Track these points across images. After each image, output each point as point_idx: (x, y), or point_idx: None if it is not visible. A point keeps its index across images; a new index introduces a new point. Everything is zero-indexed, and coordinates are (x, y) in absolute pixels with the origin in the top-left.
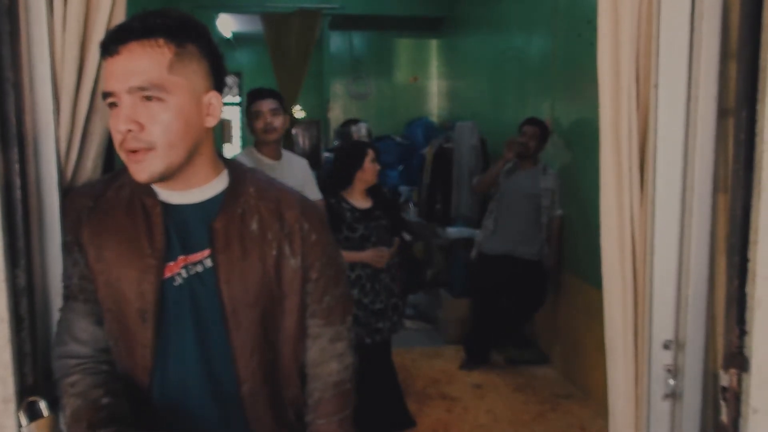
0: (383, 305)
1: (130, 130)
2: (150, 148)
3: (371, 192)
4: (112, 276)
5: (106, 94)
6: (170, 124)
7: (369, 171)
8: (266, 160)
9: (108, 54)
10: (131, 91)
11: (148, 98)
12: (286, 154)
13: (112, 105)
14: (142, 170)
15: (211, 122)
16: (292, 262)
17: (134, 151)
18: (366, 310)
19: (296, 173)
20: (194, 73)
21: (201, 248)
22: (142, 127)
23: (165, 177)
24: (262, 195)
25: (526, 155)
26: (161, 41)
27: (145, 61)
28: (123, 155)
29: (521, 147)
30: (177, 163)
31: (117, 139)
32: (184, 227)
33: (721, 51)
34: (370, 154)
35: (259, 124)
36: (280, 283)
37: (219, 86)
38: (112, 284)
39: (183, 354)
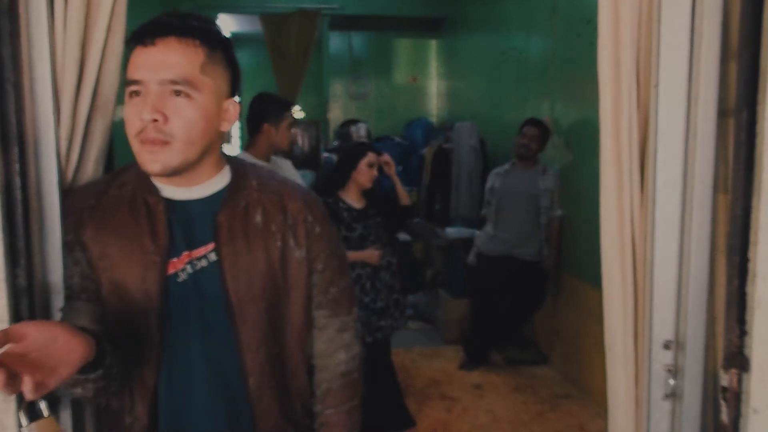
0: (384, 303)
1: (155, 120)
2: (167, 141)
3: (366, 193)
4: (115, 274)
5: (132, 82)
6: (194, 120)
7: (363, 173)
8: (261, 163)
9: (142, 44)
10: (162, 82)
11: (177, 93)
12: (273, 158)
13: (134, 94)
14: (155, 161)
15: (226, 127)
16: (297, 254)
17: (151, 142)
18: (367, 308)
19: (286, 173)
20: (220, 77)
21: (205, 243)
22: (166, 119)
23: (177, 172)
24: (264, 188)
25: (527, 156)
26: (197, 42)
27: (181, 57)
28: (136, 145)
29: (522, 148)
30: (191, 160)
31: (135, 127)
32: (187, 223)
33: (722, 51)
34: (369, 156)
35: (288, 135)
36: (286, 275)
37: (234, 94)
38: (115, 282)
39: (188, 349)
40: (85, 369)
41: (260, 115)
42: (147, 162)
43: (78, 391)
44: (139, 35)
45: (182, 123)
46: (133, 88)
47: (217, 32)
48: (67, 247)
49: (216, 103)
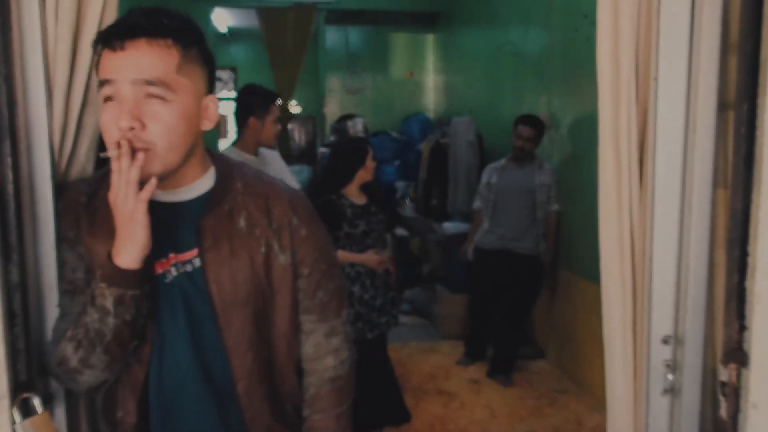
0: (383, 300)
1: (132, 128)
2: (147, 149)
3: (364, 188)
4: None
5: (105, 82)
6: (173, 125)
7: (370, 168)
8: (249, 157)
9: (111, 48)
10: (136, 83)
11: (153, 96)
12: (260, 150)
13: (108, 99)
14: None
15: (207, 126)
16: (282, 259)
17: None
18: (368, 306)
19: (274, 165)
20: (197, 75)
21: (190, 247)
22: (144, 126)
23: (161, 179)
24: (249, 190)
25: (523, 157)
26: (170, 42)
27: (155, 59)
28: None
29: (519, 151)
30: (174, 165)
31: (113, 136)
32: (173, 226)
33: (722, 44)
34: (370, 151)
35: (274, 130)
36: (271, 280)
37: (212, 91)
38: None
39: (177, 350)
40: (131, 281)
41: (246, 109)
42: None
43: (121, 312)
44: (107, 38)
45: (161, 128)
46: (107, 90)
47: (190, 28)
48: (69, 244)
49: (195, 103)
